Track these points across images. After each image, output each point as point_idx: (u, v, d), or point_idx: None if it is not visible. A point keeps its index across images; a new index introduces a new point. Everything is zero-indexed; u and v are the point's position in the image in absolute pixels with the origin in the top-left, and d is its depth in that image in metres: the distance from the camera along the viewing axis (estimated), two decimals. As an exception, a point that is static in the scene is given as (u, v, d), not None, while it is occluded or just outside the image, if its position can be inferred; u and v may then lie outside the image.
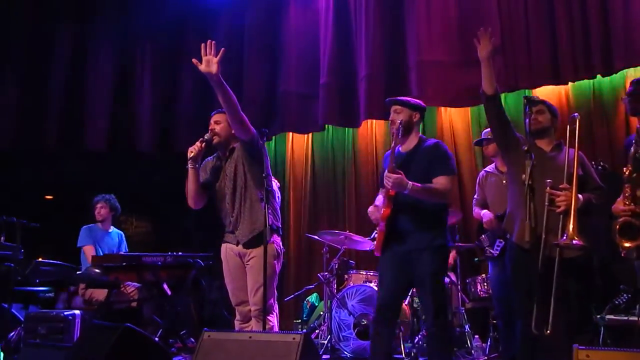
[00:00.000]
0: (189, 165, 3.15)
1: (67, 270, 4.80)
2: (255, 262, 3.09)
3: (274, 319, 3.12)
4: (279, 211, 3.39)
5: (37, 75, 6.50)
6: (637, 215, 2.57)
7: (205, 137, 3.18)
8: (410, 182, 2.82)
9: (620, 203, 2.66)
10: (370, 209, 3.21)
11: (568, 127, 2.73)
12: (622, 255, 2.60)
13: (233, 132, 3.16)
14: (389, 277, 2.98)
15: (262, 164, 3.16)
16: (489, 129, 3.53)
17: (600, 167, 3.03)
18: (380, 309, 2.98)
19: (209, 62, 2.85)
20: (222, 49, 2.88)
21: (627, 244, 2.55)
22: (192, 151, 3.14)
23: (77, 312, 4.08)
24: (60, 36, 6.68)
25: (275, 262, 3.15)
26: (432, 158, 2.99)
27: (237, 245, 3.18)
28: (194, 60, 2.89)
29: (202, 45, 2.87)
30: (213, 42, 2.87)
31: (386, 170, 2.88)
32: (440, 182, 2.93)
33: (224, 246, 3.25)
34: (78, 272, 4.66)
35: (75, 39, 6.69)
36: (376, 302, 3.08)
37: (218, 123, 3.23)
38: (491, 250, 3.71)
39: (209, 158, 3.38)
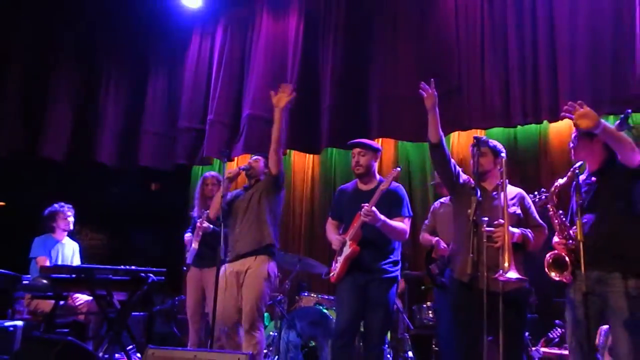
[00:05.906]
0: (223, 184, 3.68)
1: (10, 279, 4.64)
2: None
3: None
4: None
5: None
6: (569, 250, 2.74)
7: (243, 167, 3.86)
8: (382, 217, 3.13)
9: (557, 236, 2.83)
10: (334, 239, 3.38)
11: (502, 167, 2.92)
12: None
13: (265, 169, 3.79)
14: (350, 301, 3.23)
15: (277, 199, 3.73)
16: None
17: (544, 197, 3.11)
18: (342, 331, 3.20)
19: (280, 98, 3.59)
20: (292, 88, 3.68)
21: (554, 275, 2.73)
22: (230, 172, 3.74)
23: (19, 323, 3.96)
24: (24, 42, 6.60)
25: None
26: (394, 201, 3.33)
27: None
28: (272, 92, 3.64)
29: (282, 85, 3.65)
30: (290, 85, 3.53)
31: (367, 205, 3.14)
32: (400, 222, 3.29)
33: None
34: (25, 282, 4.52)
35: (40, 45, 6.61)
36: (336, 325, 3.31)
37: (256, 161, 3.89)
38: (442, 279, 3.81)
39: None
